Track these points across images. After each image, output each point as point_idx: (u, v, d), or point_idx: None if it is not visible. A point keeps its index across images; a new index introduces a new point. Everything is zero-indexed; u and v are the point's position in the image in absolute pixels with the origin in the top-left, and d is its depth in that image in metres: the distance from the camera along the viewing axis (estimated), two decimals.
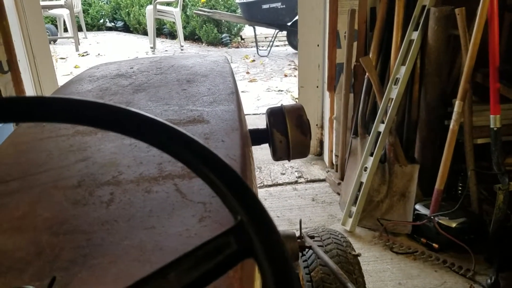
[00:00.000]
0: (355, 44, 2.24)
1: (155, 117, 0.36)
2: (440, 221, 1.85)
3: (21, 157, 0.76)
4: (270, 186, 2.47)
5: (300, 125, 1.13)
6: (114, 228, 0.56)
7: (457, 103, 1.85)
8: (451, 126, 1.86)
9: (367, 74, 2.11)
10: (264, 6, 5.28)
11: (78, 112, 0.35)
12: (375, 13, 2.22)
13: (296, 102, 3.75)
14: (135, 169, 0.69)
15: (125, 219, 0.57)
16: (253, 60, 5.54)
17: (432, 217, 1.87)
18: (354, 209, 2.03)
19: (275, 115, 1.14)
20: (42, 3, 2.67)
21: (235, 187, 0.36)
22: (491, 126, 1.75)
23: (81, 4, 6.90)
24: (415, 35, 2.00)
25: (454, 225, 1.83)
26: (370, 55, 2.16)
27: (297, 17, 5.25)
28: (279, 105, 1.22)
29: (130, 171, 0.69)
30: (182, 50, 6.16)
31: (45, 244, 0.53)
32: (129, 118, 0.35)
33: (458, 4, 1.87)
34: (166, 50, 6.20)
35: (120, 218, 0.58)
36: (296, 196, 2.36)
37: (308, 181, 2.49)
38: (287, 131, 1.12)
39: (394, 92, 2.00)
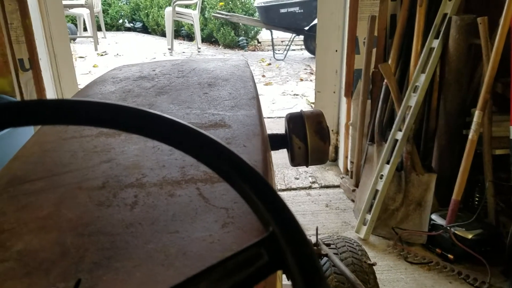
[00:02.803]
0: (374, 50, 2.22)
1: (188, 124, 0.37)
2: (456, 232, 1.82)
3: (46, 157, 0.77)
4: (283, 190, 2.47)
5: (320, 131, 1.13)
6: (138, 231, 0.56)
7: (476, 113, 1.82)
8: (470, 136, 1.83)
9: (385, 81, 2.10)
10: (282, 10, 5.28)
11: (133, 121, 0.35)
12: (395, 20, 2.20)
13: (312, 106, 3.74)
14: (158, 172, 0.70)
15: (149, 223, 0.58)
16: (269, 64, 5.54)
17: (448, 228, 1.85)
18: (368, 216, 2.01)
19: (295, 120, 1.14)
20: (63, 2, 2.71)
21: (267, 198, 0.36)
22: (511, 137, 1.72)
23: (101, 4, 6.99)
24: (435, 43, 1.98)
25: (470, 236, 1.80)
26: (389, 62, 2.15)
27: (314, 22, 5.26)
28: (298, 110, 1.21)
29: (153, 174, 0.69)
30: (199, 52, 6.20)
31: (70, 245, 0.54)
32: (175, 129, 0.36)
33: (480, 13, 1.85)
34: (183, 52, 6.25)
35: (144, 221, 0.58)
36: (309, 202, 2.35)
37: (322, 187, 2.48)
38: (306, 137, 1.12)
39: (413, 100, 1.99)
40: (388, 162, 2.01)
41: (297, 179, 2.58)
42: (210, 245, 0.54)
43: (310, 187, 2.49)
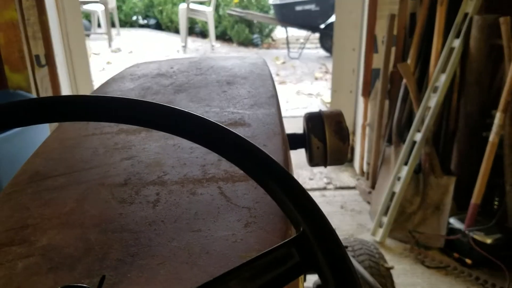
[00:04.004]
0: (393, 49, 2.19)
1: (220, 124, 0.37)
2: (474, 236, 1.79)
3: (67, 153, 0.77)
4: None
5: (339, 131, 1.11)
6: (161, 228, 0.56)
7: (498, 115, 1.79)
8: (490, 139, 1.80)
9: (404, 80, 2.07)
10: (298, 8, 5.26)
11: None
12: (415, 19, 2.17)
13: (327, 106, 3.71)
14: (179, 170, 0.69)
15: (171, 220, 0.57)
16: (284, 62, 5.52)
17: (466, 232, 1.81)
18: (385, 219, 1.98)
19: (314, 120, 1.12)
20: None
21: (298, 198, 0.36)
22: None
23: (115, 0, 7.04)
24: (456, 43, 1.95)
25: (489, 241, 1.77)
26: (408, 62, 2.12)
27: (330, 20, 5.22)
28: (313, 110, 1.20)
29: (175, 171, 0.68)
30: (213, 49, 6.20)
31: (94, 242, 0.54)
32: (214, 132, 0.36)
33: (502, 12, 1.81)
34: (197, 49, 6.26)
35: (167, 219, 0.57)
36: (324, 203, 2.33)
37: (337, 188, 2.46)
38: (325, 137, 1.10)
39: (433, 100, 1.95)
40: (406, 164, 1.98)
41: (312, 179, 2.56)
42: (233, 244, 0.54)
43: (325, 188, 2.47)
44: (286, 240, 0.35)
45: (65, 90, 2.60)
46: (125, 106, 0.36)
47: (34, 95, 2.32)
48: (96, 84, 3.62)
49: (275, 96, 1.05)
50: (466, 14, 1.95)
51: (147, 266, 0.49)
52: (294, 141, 1.13)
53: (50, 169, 0.71)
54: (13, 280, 0.49)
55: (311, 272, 0.35)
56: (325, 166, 1.15)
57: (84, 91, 2.75)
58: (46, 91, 2.46)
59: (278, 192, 0.37)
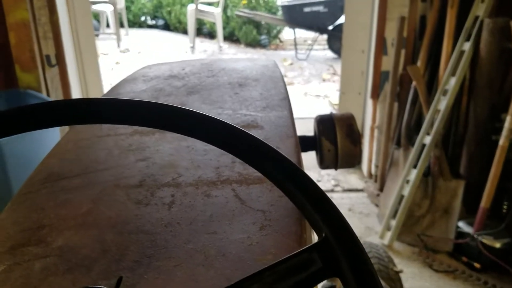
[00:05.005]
0: (402, 52, 2.19)
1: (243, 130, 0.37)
2: (483, 240, 1.78)
3: (82, 154, 0.77)
4: None
5: (350, 134, 1.11)
6: (177, 230, 0.56)
7: (508, 119, 1.77)
8: (500, 143, 1.79)
9: (413, 83, 2.06)
10: (306, 9, 5.26)
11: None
12: (425, 21, 2.16)
13: (334, 108, 3.71)
14: (193, 172, 0.69)
15: (187, 222, 0.57)
16: (291, 63, 5.52)
17: (475, 236, 1.80)
18: (393, 222, 1.98)
19: (325, 122, 1.12)
20: None
21: (320, 203, 0.36)
22: None
23: (124, 1, 7.08)
24: (466, 46, 1.94)
25: (498, 245, 1.76)
26: (418, 64, 2.11)
27: (338, 22, 5.21)
28: (322, 111, 1.20)
29: (189, 173, 0.69)
30: (221, 50, 6.21)
31: (110, 243, 0.54)
32: (236, 137, 0.36)
33: None
34: (205, 50, 6.27)
35: (182, 221, 0.58)
36: None
37: (345, 190, 2.46)
38: (336, 140, 1.10)
39: (443, 103, 1.95)
40: (415, 167, 1.98)
41: (319, 181, 2.56)
42: (249, 247, 0.54)
43: (332, 190, 2.46)
44: (308, 246, 0.35)
45: (75, 89, 2.62)
46: (147, 109, 0.36)
47: (44, 94, 2.34)
48: (105, 84, 3.63)
49: (287, 98, 1.05)
50: (476, 17, 1.94)
51: (164, 267, 0.50)
52: (305, 143, 1.13)
53: (65, 169, 0.72)
54: (30, 280, 0.49)
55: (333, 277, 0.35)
56: (336, 169, 1.15)
57: (93, 91, 2.77)
58: (56, 91, 2.47)
59: (298, 196, 0.37)
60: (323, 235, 0.35)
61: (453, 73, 1.96)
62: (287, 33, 6.48)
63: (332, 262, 0.34)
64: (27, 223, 0.60)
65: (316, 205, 0.35)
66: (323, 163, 1.13)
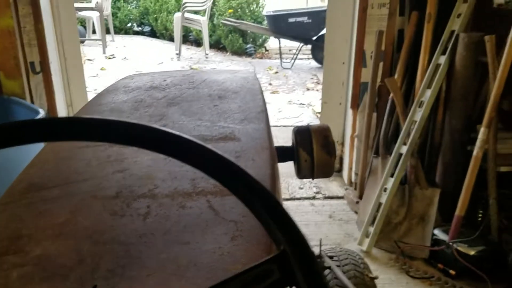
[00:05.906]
0: (381, 64, 2.25)
1: (209, 146, 0.39)
2: (458, 247, 1.83)
3: (61, 164, 0.79)
4: (287, 200, 2.48)
5: (326, 145, 1.15)
6: (151, 241, 0.58)
7: (482, 130, 1.84)
8: (474, 153, 1.85)
9: (391, 95, 2.12)
10: (291, 20, 5.33)
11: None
12: (403, 35, 2.23)
13: (318, 116, 3.76)
14: (170, 183, 0.72)
15: (161, 233, 0.60)
16: (276, 72, 5.58)
17: (450, 243, 1.85)
18: (371, 229, 2.02)
19: (302, 134, 1.16)
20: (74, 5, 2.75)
21: (279, 218, 0.39)
22: None
23: (111, 7, 7.06)
24: (442, 59, 2.00)
25: (472, 252, 1.81)
26: (396, 76, 2.17)
27: (322, 32, 5.29)
28: (304, 120, 1.24)
29: (165, 185, 0.71)
30: (206, 58, 6.24)
31: (86, 252, 0.56)
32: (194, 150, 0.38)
33: (488, 31, 1.87)
34: (191, 57, 6.29)
35: (157, 231, 0.60)
36: (313, 212, 2.36)
37: (326, 197, 2.50)
38: (312, 151, 1.14)
39: (418, 114, 2.00)
40: (392, 176, 2.03)
41: (301, 189, 2.60)
42: (220, 257, 0.56)
43: (314, 197, 2.50)
44: (267, 258, 0.38)
45: (59, 97, 2.61)
46: (120, 127, 0.38)
47: (28, 101, 2.33)
48: (90, 89, 3.62)
49: (264, 111, 1.09)
50: (452, 32, 2.00)
51: (137, 277, 0.52)
52: (283, 153, 1.16)
53: (45, 180, 0.74)
54: None
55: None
56: (313, 178, 1.19)
57: (78, 98, 2.76)
58: (40, 98, 2.47)
59: (261, 212, 0.39)
60: (282, 248, 0.38)
61: (428, 86, 2.02)
62: (273, 42, 6.54)
63: (289, 273, 0.37)
64: (6, 232, 0.61)
65: (277, 221, 0.38)
66: (301, 173, 1.16)
